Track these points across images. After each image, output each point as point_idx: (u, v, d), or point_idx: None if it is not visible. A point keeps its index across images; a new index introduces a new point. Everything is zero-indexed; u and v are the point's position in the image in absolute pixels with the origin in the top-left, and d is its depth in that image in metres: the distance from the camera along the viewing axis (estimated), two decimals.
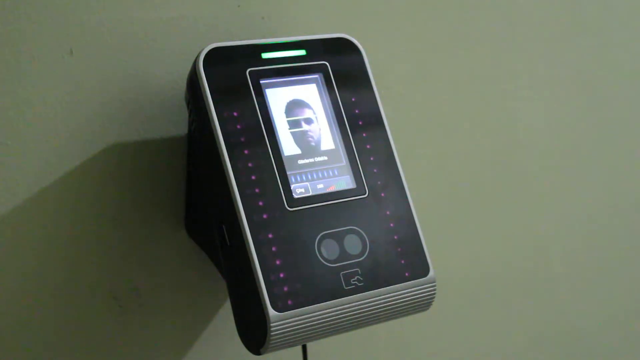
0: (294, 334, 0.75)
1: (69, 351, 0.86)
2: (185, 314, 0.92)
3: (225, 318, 0.94)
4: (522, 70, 1.15)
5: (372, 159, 0.83)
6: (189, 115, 0.82)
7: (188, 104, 0.82)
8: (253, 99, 0.80)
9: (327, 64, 0.84)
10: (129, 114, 0.86)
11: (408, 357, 1.10)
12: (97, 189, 0.85)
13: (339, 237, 0.79)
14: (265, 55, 0.82)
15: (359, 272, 0.78)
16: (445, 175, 1.10)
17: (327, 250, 0.78)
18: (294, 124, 0.82)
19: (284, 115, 0.81)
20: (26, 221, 0.83)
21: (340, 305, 0.77)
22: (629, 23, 1.27)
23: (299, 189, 0.79)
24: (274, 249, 0.76)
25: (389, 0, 1.02)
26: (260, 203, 0.76)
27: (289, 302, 0.75)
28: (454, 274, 1.10)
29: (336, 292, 0.77)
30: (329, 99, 0.83)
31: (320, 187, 0.80)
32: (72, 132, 0.84)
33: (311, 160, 0.81)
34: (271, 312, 0.74)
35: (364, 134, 0.83)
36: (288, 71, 0.83)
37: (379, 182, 0.82)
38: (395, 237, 0.81)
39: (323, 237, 0.78)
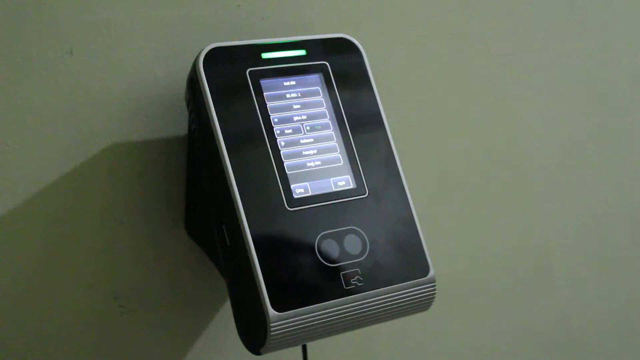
0: (294, 334, 0.75)
1: (68, 351, 0.86)
2: (185, 313, 0.92)
3: (225, 318, 0.94)
4: (522, 70, 1.15)
5: (372, 159, 0.83)
6: (189, 115, 0.82)
7: (188, 104, 0.82)
8: (253, 99, 0.80)
9: (327, 64, 0.84)
10: (129, 114, 0.86)
11: (408, 357, 1.10)
12: (97, 189, 0.85)
13: (339, 237, 0.79)
14: (265, 55, 0.82)
15: (359, 272, 0.78)
16: (445, 175, 1.10)
17: (327, 250, 0.78)
18: None
19: None
20: (26, 221, 0.83)
21: (340, 305, 0.77)
22: (629, 23, 1.27)
23: (299, 189, 0.79)
24: (274, 249, 0.75)
25: (389, 0, 1.02)
26: (260, 203, 0.76)
27: (289, 302, 0.75)
28: (454, 274, 1.10)
29: (336, 292, 0.77)
30: (329, 99, 0.83)
31: (320, 187, 0.80)
32: (72, 132, 0.84)
33: (311, 160, 0.81)
34: (271, 312, 0.74)
35: (364, 134, 0.83)
36: (288, 71, 0.83)
37: (379, 182, 0.82)
38: (395, 237, 0.81)
39: (323, 237, 0.78)
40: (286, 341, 0.75)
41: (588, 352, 1.28)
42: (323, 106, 0.83)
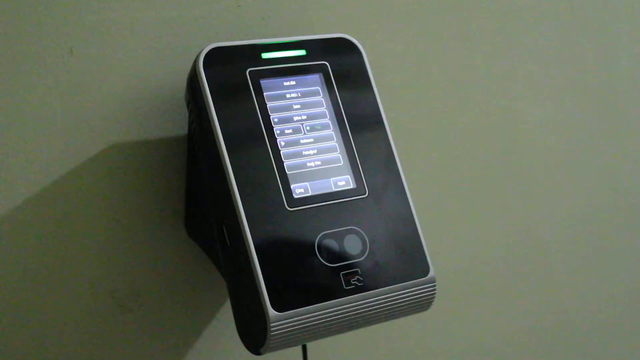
0: (294, 334, 0.75)
1: (68, 350, 0.86)
2: (185, 314, 0.92)
3: (225, 318, 0.94)
4: (522, 70, 1.15)
5: (372, 159, 0.83)
6: (189, 115, 0.82)
7: (188, 104, 0.82)
8: (253, 99, 0.80)
9: (327, 64, 0.84)
10: (129, 114, 0.86)
11: (408, 357, 1.10)
12: (97, 189, 0.85)
13: (339, 237, 0.79)
14: (265, 55, 0.82)
15: (359, 272, 0.78)
16: (445, 175, 1.10)
17: (327, 250, 0.78)
18: None
19: None
20: (26, 221, 0.83)
21: (340, 305, 0.77)
22: (629, 23, 1.27)
23: (299, 189, 0.79)
24: (274, 249, 0.75)
25: (389, 0, 1.02)
26: (260, 203, 0.76)
27: (289, 302, 0.75)
28: (454, 274, 1.10)
29: (336, 292, 0.77)
30: (329, 99, 0.83)
31: (320, 187, 0.80)
32: (72, 132, 0.84)
33: (311, 160, 0.81)
34: (271, 312, 0.74)
35: (364, 134, 0.83)
36: (288, 71, 0.83)
37: (379, 182, 0.82)
38: (395, 237, 0.81)
39: (323, 237, 0.78)
40: (286, 341, 0.75)
41: (587, 349, 1.28)
42: (323, 106, 0.83)
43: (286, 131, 0.80)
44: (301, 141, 0.81)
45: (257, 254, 0.75)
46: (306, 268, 0.76)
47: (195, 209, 0.88)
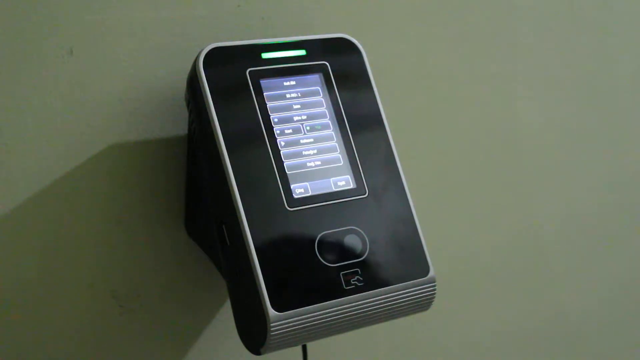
0: (294, 334, 0.75)
1: (68, 351, 0.86)
2: (185, 313, 0.92)
3: (225, 318, 0.94)
4: (522, 70, 1.15)
5: (372, 159, 0.83)
6: (189, 115, 0.82)
7: (188, 104, 0.82)
8: (253, 99, 0.80)
9: (327, 64, 0.84)
10: (129, 114, 0.86)
11: (408, 357, 1.10)
12: (97, 189, 0.85)
13: (339, 237, 0.79)
14: (265, 55, 0.82)
15: (359, 272, 0.78)
16: (445, 175, 1.10)
17: (327, 250, 0.78)
18: None
19: None
20: (26, 221, 0.83)
21: (340, 305, 0.77)
22: (629, 23, 1.27)
23: (299, 189, 0.79)
24: (274, 249, 0.75)
25: (389, 0, 1.02)
26: (260, 203, 0.76)
27: (289, 302, 0.75)
28: (455, 274, 1.10)
29: (336, 292, 0.77)
30: (329, 99, 0.83)
31: (320, 187, 0.80)
32: (72, 132, 0.84)
33: (311, 160, 0.81)
34: (271, 312, 0.74)
35: (364, 134, 0.83)
36: (288, 71, 0.83)
37: (379, 182, 0.82)
38: (395, 237, 0.81)
39: (323, 237, 0.78)
40: (286, 341, 0.75)
41: (587, 349, 1.28)
42: (323, 106, 0.83)
43: (286, 131, 0.80)
44: (301, 141, 0.81)
45: (257, 254, 0.75)
46: (306, 268, 0.76)
47: (195, 209, 0.88)
